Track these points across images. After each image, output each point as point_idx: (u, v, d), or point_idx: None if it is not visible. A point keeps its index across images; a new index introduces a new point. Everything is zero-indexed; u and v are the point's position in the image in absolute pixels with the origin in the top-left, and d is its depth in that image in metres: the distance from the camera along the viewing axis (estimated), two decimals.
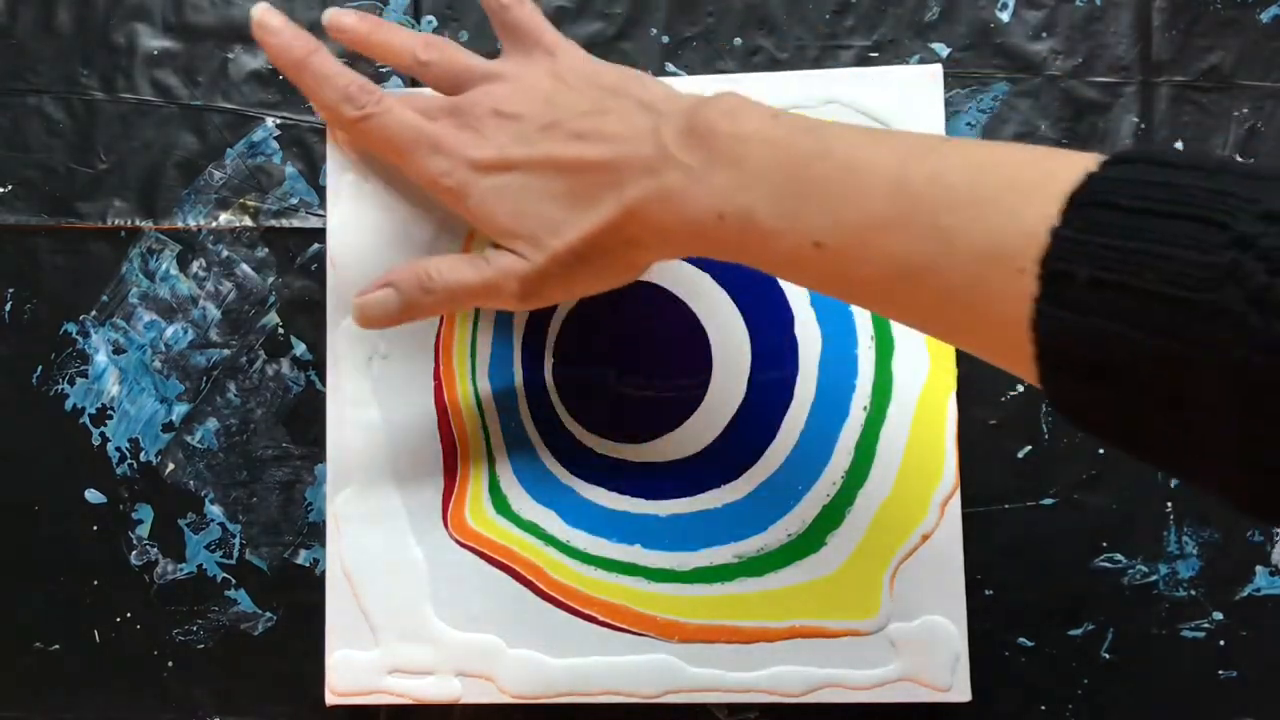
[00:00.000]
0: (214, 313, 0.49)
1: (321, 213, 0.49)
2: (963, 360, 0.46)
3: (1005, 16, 0.49)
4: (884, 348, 0.46)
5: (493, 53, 0.49)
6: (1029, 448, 0.47)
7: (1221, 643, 0.46)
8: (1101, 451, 0.47)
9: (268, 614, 0.48)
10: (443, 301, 0.40)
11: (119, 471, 0.49)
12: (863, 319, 0.46)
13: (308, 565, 0.48)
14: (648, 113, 0.38)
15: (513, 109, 0.40)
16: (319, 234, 0.49)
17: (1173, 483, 0.47)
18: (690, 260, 0.46)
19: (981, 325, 0.31)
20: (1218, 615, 0.46)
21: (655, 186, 0.36)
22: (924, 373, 0.45)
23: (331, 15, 0.43)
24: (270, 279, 0.49)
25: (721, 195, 0.35)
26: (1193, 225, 0.26)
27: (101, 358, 0.49)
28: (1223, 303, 0.25)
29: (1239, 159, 0.27)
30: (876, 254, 0.32)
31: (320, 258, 0.49)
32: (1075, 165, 0.29)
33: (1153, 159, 0.28)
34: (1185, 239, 0.26)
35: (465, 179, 0.40)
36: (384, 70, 0.49)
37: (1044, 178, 0.29)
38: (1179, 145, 0.48)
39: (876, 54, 0.49)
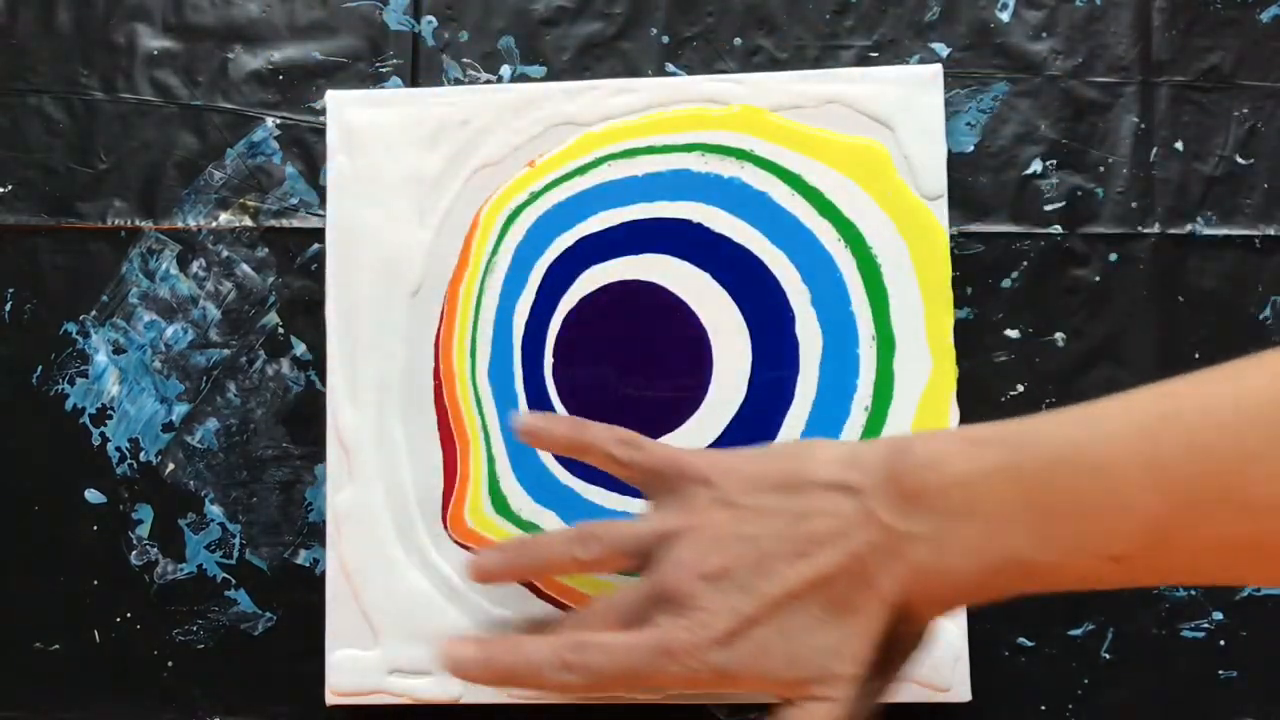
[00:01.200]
0: (214, 313, 0.49)
1: (321, 213, 0.49)
2: (964, 360, 0.46)
3: (1005, 16, 0.49)
4: (885, 347, 0.46)
5: (490, 53, 0.50)
6: None
7: (1221, 643, 0.46)
8: None
9: (268, 614, 0.48)
10: None
11: (119, 471, 0.49)
12: (864, 318, 0.46)
13: (308, 565, 0.48)
14: (845, 495, 0.34)
15: (716, 566, 0.35)
16: (319, 234, 0.49)
17: None
18: (690, 260, 0.47)
19: None
20: (1218, 615, 0.46)
21: (906, 568, 0.33)
22: (925, 373, 0.45)
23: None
24: (270, 279, 0.49)
25: (979, 551, 0.32)
26: None
27: (101, 358, 0.49)
28: None
29: None
30: (1181, 545, 0.30)
31: (320, 258, 0.49)
32: None
33: None
34: None
35: (719, 662, 0.34)
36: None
37: None
38: (1179, 145, 0.48)
39: (876, 54, 0.49)
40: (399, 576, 0.46)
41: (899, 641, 0.35)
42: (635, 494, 0.46)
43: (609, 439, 0.39)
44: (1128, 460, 0.30)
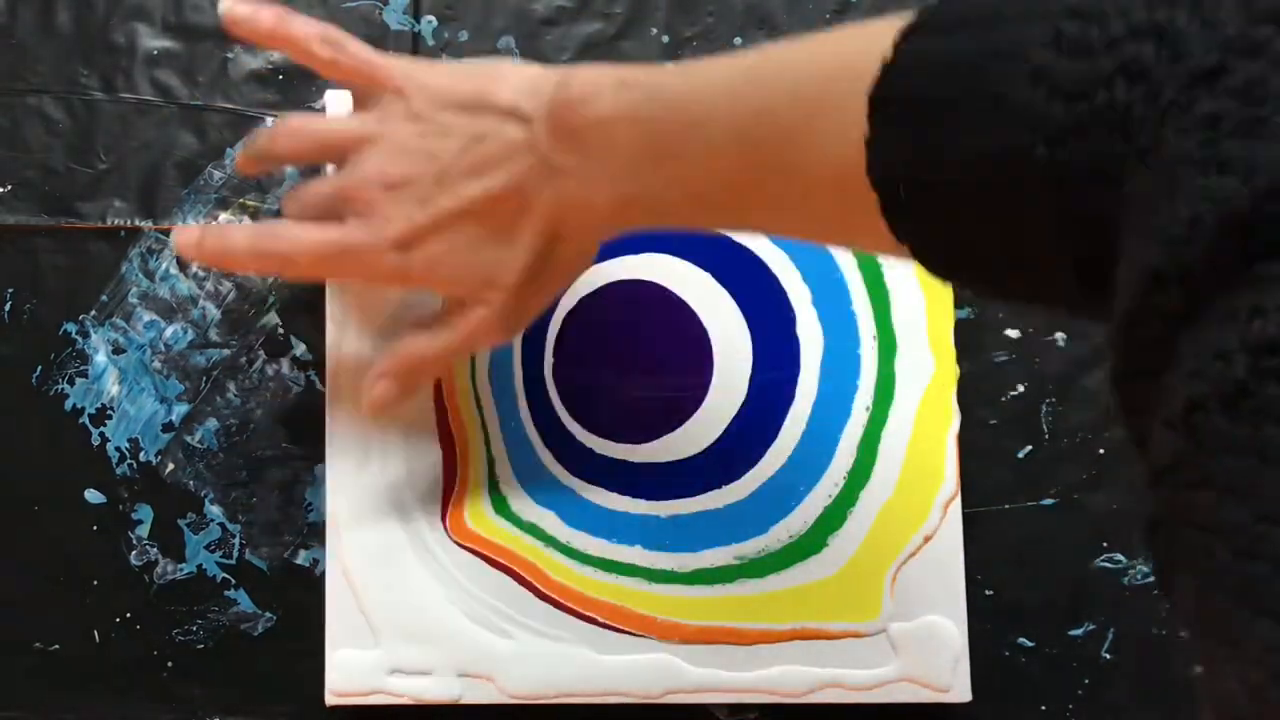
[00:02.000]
0: (214, 313, 0.49)
1: None
2: (964, 360, 0.46)
3: None
4: (886, 348, 0.46)
5: (490, 53, 0.50)
6: (1029, 448, 0.47)
7: None
8: (1102, 451, 0.47)
9: (268, 614, 0.48)
10: (438, 371, 0.42)
11: (119, 471, 0.49)
12: (865, 320, 0.46)
13: (308, 565, 0.48)
14: (517, 123, 0.38)
15: (397, 176, 0.39)
16: None
17: None
18: (691, 259, 0.46)
19: (853, 234, 0.33)
20: None
21: (556, 197, 0.37)
22: (927, 373, 0.45)
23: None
24: (270, 279, 0.49)
25: (609, 187, 0.36)
26: (976, 106, 0.26)
27: (101, 358, 0.49)
28: (1023, 186, 0.26)
29: None
30: (754, 196, 0.34)
31: None
32: (873, 53, 0.29)
33: (938, 27, 0.28)
34: (974, 123, 0.26)
35: (395, 263, 0.39)
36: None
37: (848, 83, 0.30)
38: None
39: None
40: (399, 576, 0.46)
41: (557, 261, 0.39)
42: (634, 494, 0.46)
43: (312, 35, 0.41)
44: (716, 119, 0.33)
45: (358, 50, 0.41)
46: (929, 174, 0.28)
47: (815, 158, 0.31)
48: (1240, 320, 0.20)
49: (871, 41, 0.29)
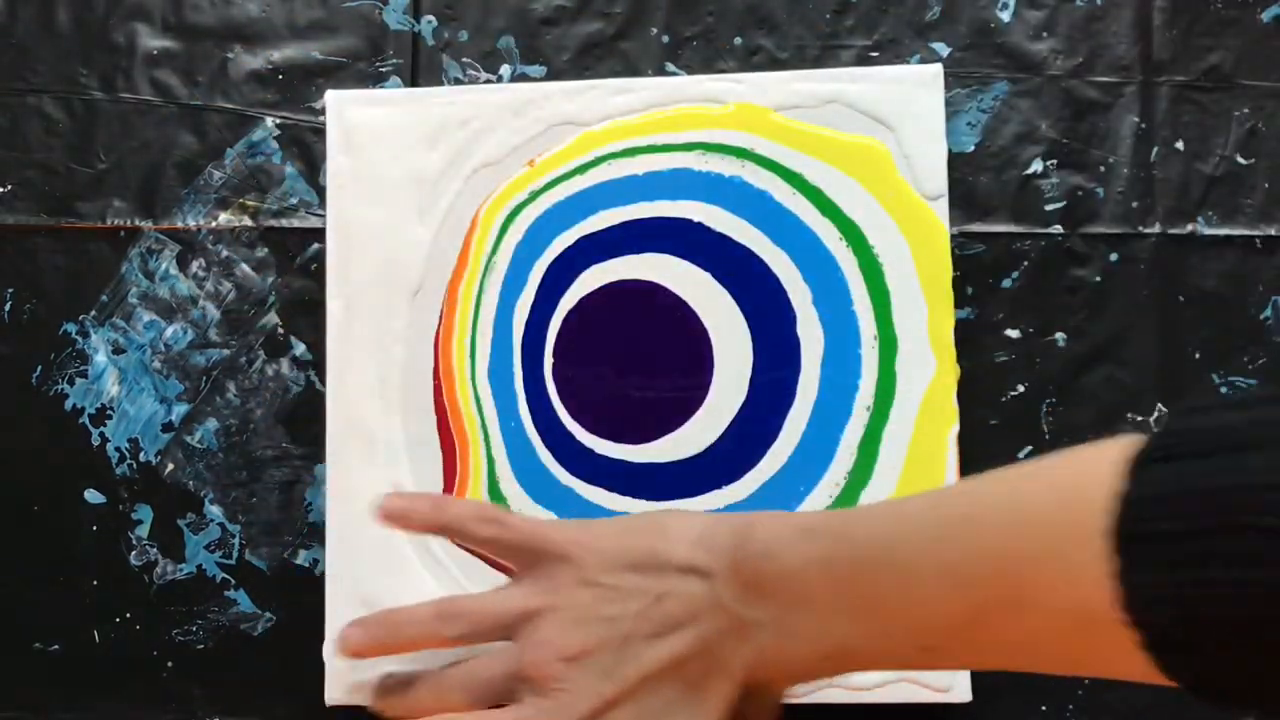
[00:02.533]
0: (214, 313, 0.49)
1: (321, 213, 0.49)
2: (964, 360, 0.46)
3: (1006, 16, 0.49)
4: (887, 347, 0.46)
5: (490, 53, 0.50)
6: (1029, 448, 0.47)
7: None
8: None
9: (267, 614, 0.48)
10: None
11: (119, 471, 0.49)
12: (866, 318, 0.46)
13: (308, 565, 0.48)
14: (697, 578, 0.36)
15: (578, 648, 0.37)
16: (319, 234, 0.49)
17: None
18: (691, 259, 0.47)
19: (1104, 667, 0.31)
20: None
21: (751, 651, 0.35)
22: (928, 373, 0.45)
23: None
24: (270, 279, 0.49)
25: (813, 638, 0.34)
26: (1242, 539, 0.26)
27: (101, 358, 0.49)
28: None
29: (1258, 419, 0.28)
30: (981, 638, 0.32)
31: (320, 258, 0.49)
32: (1097, 484, 0.28)
33: (1175, 453, 0.28)
34: (1242, 556, 0.26)
35: None
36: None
37: (1080, 517, 0.29)
38: (1179, 145, 0.48)
39: (876, 54, 0.49)
40: (399, 576, 0.46)
41: (750, 711, 0.37)
42: (634, 495, 0.46)
43: (469, 516, 0.40)
44: (925, 562, 0.32)
45: (518, 523, 0.40)
46: (1196, 608, 0.27)
47: (1048, 596, 0.30)
48: None
49: (1090, 472, 0.29)
